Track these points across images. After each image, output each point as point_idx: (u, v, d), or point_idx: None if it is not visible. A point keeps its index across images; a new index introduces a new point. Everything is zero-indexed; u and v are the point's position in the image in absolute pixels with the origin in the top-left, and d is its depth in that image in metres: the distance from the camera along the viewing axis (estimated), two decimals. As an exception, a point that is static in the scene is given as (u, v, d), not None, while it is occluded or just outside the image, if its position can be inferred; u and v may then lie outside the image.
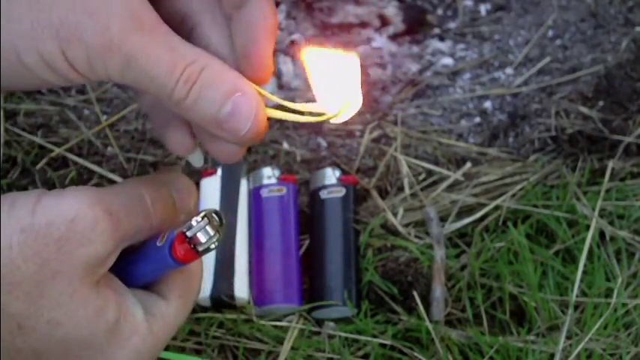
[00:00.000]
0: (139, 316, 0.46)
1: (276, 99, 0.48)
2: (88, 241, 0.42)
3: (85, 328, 0.44)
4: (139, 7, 0.42)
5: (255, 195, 0.80)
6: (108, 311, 0.44)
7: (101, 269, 0.44)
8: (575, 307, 0.75)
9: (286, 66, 0.97)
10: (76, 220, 0.42)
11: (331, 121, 0.47)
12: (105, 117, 0.89)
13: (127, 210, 0.45)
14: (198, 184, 0.81)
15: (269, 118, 0.46)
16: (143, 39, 0.42)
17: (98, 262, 0.43)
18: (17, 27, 0.41)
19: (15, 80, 0.43)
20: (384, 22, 1.04)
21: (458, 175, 0.85)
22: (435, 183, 0.85)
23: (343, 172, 0.82)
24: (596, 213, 0.79)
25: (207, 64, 0.44)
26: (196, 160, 0.50)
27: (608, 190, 0.82)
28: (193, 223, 0.45)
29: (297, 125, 0.90)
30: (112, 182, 0.84)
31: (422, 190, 0.84)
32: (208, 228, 0.46)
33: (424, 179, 0.85)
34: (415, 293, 0.75)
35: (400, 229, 0.80)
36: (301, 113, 0.47)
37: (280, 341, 0.73)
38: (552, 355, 0.71)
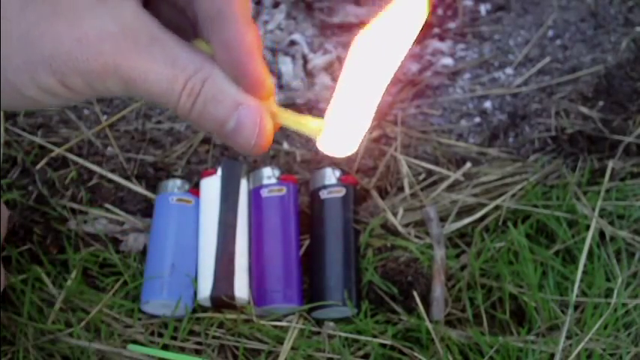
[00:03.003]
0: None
1: (285, 113, 0.46)
2: None
3: None
4: (132, 20, 0.41)
5: (255, 195, 0.80)
6: None
7: None
8: (575, 307, 0.75)
9: (286, 66, 0.97)
10: None
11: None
12: (105, 117, 0.89)
13: None
14: (198, 185, 0.81)
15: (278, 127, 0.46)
16: (139, 57, 0.41)
17: None
18: (10, 64, 0.40)
19: (18, 105, 0.42)
20: (384, 22, 1.04)
21: (458, 175, 0.85)
22: (435, 183, 0.85)
23: (343, 172, 0.82)
24: (596, 213, 0.79)
25: (209, 76, 0.42)
26: None
27: (608, 190, 0.82)
28: None
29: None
30: (112, 182, 0.84)
31: (422, 190, 0.84)
32: None
33: (424, 179, 0.86)
34: (415, 293, 0.75)
35: (400, 229, 0.80)
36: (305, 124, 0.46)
37: (280, 341, 0.73)
38: (552, 355, 0.71)
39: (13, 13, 0.39)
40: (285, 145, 0.88)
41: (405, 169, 0.85)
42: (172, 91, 0.41)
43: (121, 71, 0.40)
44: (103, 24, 0.40)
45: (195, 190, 0.81)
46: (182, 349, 0.73)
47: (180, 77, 0.41)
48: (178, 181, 0.81)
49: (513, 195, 0.83)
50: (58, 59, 0.40)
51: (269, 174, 0.80)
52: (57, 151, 0.85)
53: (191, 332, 0.74)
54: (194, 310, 0.75)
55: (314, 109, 0.91)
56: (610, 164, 0.84)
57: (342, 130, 0.44)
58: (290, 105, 0.91)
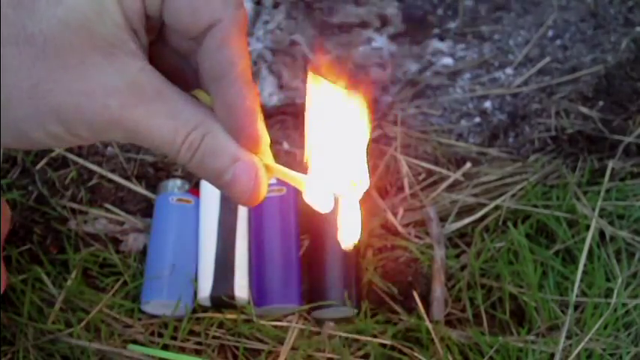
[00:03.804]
0: None
1: (279, 167, 0.50)
2: None
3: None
4: (138, 75, 0.42)
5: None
6: None
7: None
8: (575, 307, 0.75)
9: (286, 66, 0.96)
10: None
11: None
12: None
13: None
14: (197, 185, 0.81)
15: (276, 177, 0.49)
16: (143, 111, 0.42)
17: None
18: (19, 113, 0.42)
19: (23, 146, 0.44)
20: (384, 22, 1.04)
21: (458, 175, 0.85)
22: (435, 183, 0.85)
23: (343, 172, 0.82)
24: (596, 213, 0.79)
25: (209, 131, 0.44)
26: None
27: (608, 190, 0.82)
28: None
29: (298, 125, 0.91)
30: (112, 182, 0.84)
31: (422, 190, 0.84)
32: None
33: (424, 179, 0.86)
34: (415, 293, 0.75)
35: (400, 229, 0.80)
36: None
37: (280, 341, 0.73)
38: (552, 355, 0.71)
39: (25, 66, 0.41)
40: (285, 145, 0.88)
41: (405, 169, 0.85)
42: (173, 143, 0.43)
43: (125, 124, 0.42)
44: (110, 79, 0.42)
45: (195, 190, 0.81)
46: (182, 349, 0.73)
47: (181, 131, 0.43)
48: (178, 181, 0.81)
49: (513, 195, 0.83)
50: (65, 111, 0.42)
51: (269, 174, 0.80)
52: (57, 151, 0.85)
53: (191, 332, 0.74)
54: (194, 310, 0.75)
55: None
56: (610, 164, 0.84)
57: (319, 188, 0.49)
58: (290, 105, 0.91)
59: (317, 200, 0.49)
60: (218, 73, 0.43)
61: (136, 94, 0.42)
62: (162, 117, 0.43)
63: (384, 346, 0.73)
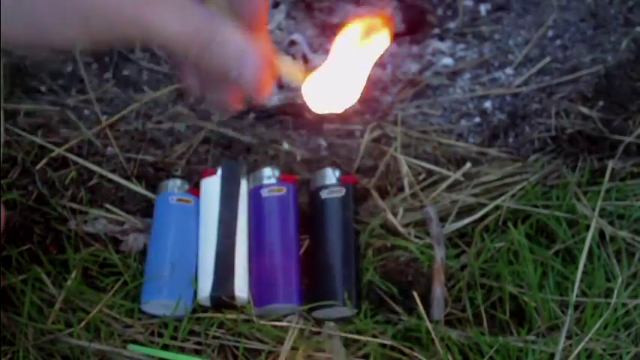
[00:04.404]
0: None
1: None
2: None
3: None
4: None
5: (255, 195, 0.80)
6: None
7: None
8: (575, 307, 0.75)
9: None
10: None
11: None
12: (105, 117, 0.89)
13: None
14: (198, 185, 0.81)
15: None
16: (159, 2, 0.46)
17: None
18: (37, 3, 0.44)
19: (37, 41, 0.46)
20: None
21: (458, 175, 0.85)
22: (435, 183, 0.85)
23: (343, 172, 0.82)
24: (596, 213, 0.79)
25: (219, 25, 0.48)
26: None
27: (608, 190, 0.82)
28: None
29: (297, 125, 0.90)
30: (112, 182, 0.84)
31: (422, 190, 0.84)
32: None
33: (424, 179, 0.85)
34: (415, 293, 0.75)
35: (400, 229, 0.80)
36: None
37: (280, 341, 0.73)
38: (552, 355, 0.71)
39: None
40: (285, 145, 0.88)
41: (405, 169, 0.85)
42: (187, 34, 0.46)
43: (141, 13, 0.45)
44: None
45: (195, 190, 0.81)
46: (182, 349, 0.73)
47: (196, 21, 0.47)
48: (178, 181, 0.81)
49: (513, 195, 0.83)
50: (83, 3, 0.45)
51: (269, 174, 0.80)
52: (57, 151, 0.85)
53: (191, 332, 0.74)
54: (194, 310, 0.75)
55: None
56: (610, 164, 0.84)
57: (324, 87, 0.52)
58: (290, 105, 0.91)
59: (314, 96, 0.53)
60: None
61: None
62: (177, 9, 0.46)
63: (384, 346, 0.73)
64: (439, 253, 0.77)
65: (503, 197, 0.82)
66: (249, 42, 0.49)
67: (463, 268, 0.78)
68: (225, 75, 0.49)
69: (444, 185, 0.84)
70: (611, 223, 0.80)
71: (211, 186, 0.80)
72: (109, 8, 0.44)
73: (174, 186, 0.80)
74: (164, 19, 0.45)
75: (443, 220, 0.81)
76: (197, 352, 0.73)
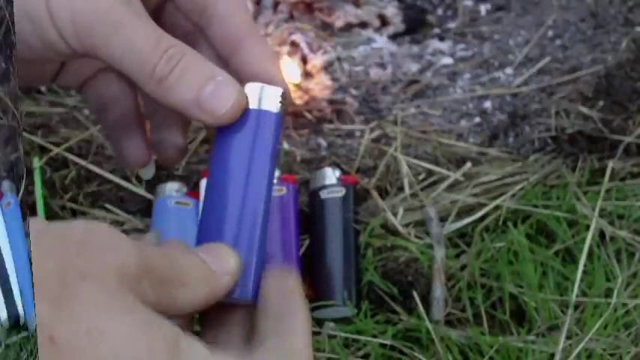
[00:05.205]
0: (200, 345, 0.37)
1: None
2: (111, 248, 0.36)
3: (138, 340, 0.33)
4: None
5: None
6: (163, 325, 0.35)
7: (136, 285, 0.35)
8: (575, 307, 0.75)
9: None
10: (94, 230, 0.37)
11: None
12: (105, 117, 0.89)
13: (149, 247, 0.40)
14: (197, 185, 0.81)
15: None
16: (130, 12, 0.43)
17: (129, 273, 0.35)
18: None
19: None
20: (384, 22, 1.04)
21: (458, 175, 0.85)
22: (435, 183, 0.85)
23: (343, 172, 0.82)
24: (596, 213, 0.79)
25: (190, 50, 0.45)
26: (148, 172, 0.52)
27: (608, 190, 0.82)
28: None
29: (297, 125, 0.90)
30: (112, 182, 0.84)
31: (422, 190, 0.84)
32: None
33: (424, 179, 0.85)
34: (415, 293, 0.75)
35: (400, 229, 0.80)
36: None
37: (280, 341, 0.73)
38: (552, 355, 0.71)
39: None
40: (285, 145, 0.88)
41: (405, 169, 0.85)
42: (155, 49, 0.44)
43: (113, 16, 0.43)
44: None
45: (193, 192, 0.81)
46: (182, 349, 0.73)
47: (164, 41, 0.44)
48: (176, 184, 0.81)
49: (513, 195, 0.83)
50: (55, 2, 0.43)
51: (269, 174, 0.80)
52: (57, 151, 0.85)
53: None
54: (194, 310, 0.75)
55: (313, 110, 0.91)
56: (610, 164, 0.84)
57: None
58: (290, 105, 0.91)
59: None
60: (238, 36, 0.46)
61: (125, 3, 0.44)
62: (147, 24, 0.44)
63: (384, 346, 0.73)
64: (439, 253, 0.77)
65: (503, 197, 0.82)
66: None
67: (463, 268, 0.78)
68: (193, 97, 0.45)
69: (444, 185, 0.84)
70: (611, 223, 0.80)
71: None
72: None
73: (172, 189, 0.80)
74: (138, 22, 0.44)
75: (443, 220, 0.81)
76: (197, 352, 0.73)
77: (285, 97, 0.48)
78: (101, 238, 0.37)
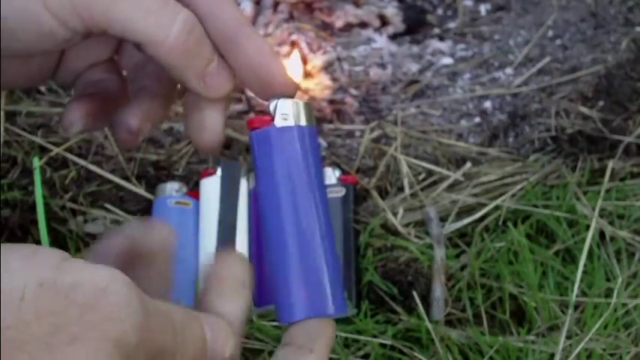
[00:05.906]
0: None
1: None
2: (118, 319, 0.34)
3: None
4: None
5: (255, 195, 0.80)
6: None
7: (132, 354, 0.34)
8: (575, 307, 0.75)
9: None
10: (107, 290, 0.34)
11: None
12: (105, 117, 0.89)
13: (157, 316, 0.37)
14: (197, 184, 0.81)
15: None
16: None
17: (127, 344, 0.34)
18: None
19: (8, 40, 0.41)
20: (384, 22, 1.04)
21: (458, 175, 0.85)
22: (435, 183, 0.85)
23: (343, 172, 0.82)
24: (596, 213, 0.79)
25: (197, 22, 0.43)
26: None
27: (608, 190, 0.82)
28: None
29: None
30: (112, 182, 0.84)
31: (422, 190, 0.84)
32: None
33: (424, 179, 0.86)
34: (415, 293, 0.75)
35: (400, 229, 0.80)
36: None
37: (280, 341, 0.73)
38: (552, 355, 0.71)
39: None
40: (285, 145, 0.88)
41: (405, 169, 0.85)
42: (169, 24, 0.41)
43: None
44: None
45: (193, 192, 0.81)
46: (182, 349, 0.73)
47: (176, 9, 0.41)
48: (176, 184, 0.81)
49: (513, 195, 0.83)
50: None
51: (269, 174, 0.80)
52: (57, 151, 0.85)
53: (191, 332, 0.74)
54: (194, 310, 0.75)
55: (313, 109, 0.91)
56: (610, 164, 0.84)
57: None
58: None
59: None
60: (230, 33, 0.43)
61: None
62: None
63: (384, 346, 0.73)
64: (439, 253, 0.77)
65: (503, 197, 0.82)
66: None
67: (463, 268, 0.78)
68: (202, 68, 0.43)
69: (444, 185, 0.84)
70: (611, 223, 0.80)
71: (211, 186, 0.80)
72: None
73: (172, 189, 0.80)
74: None
75: (443, 220, 0.81)
76: (197, 352, 0.73)
77: (309, 107, 0.47)
78: (112, 301, 0.34)
